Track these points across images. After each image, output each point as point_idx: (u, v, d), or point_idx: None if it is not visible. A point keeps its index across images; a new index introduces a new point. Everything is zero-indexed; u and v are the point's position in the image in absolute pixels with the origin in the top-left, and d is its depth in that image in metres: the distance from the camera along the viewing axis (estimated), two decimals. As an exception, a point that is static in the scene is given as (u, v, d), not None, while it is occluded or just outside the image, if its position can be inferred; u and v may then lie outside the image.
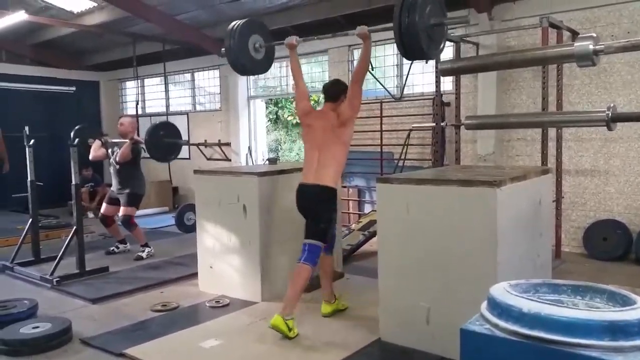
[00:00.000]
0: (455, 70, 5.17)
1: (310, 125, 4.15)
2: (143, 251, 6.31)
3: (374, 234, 6.01)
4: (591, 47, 3.35)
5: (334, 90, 4.15)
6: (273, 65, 9.80)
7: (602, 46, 3.35)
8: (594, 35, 3.49)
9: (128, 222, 6.27)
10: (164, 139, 6.30)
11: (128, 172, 6.28)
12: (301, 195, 4.06)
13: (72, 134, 6.34)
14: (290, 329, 3.75)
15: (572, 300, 1.80)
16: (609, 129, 3.48)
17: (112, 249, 6.61)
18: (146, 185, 6.77)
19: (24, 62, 11.39)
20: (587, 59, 3.40)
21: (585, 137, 6.24)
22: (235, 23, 4.48)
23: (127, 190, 6.25)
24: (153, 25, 8.88)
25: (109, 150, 6.41)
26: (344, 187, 8.17)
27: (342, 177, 7.84)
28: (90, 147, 6.40)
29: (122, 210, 6.28)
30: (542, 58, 4.18)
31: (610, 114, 3.38)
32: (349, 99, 3.96)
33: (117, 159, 6.19)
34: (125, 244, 6.64)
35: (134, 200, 6.32)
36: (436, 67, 6.22)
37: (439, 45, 3.61)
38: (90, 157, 6.43)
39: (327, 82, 4.29)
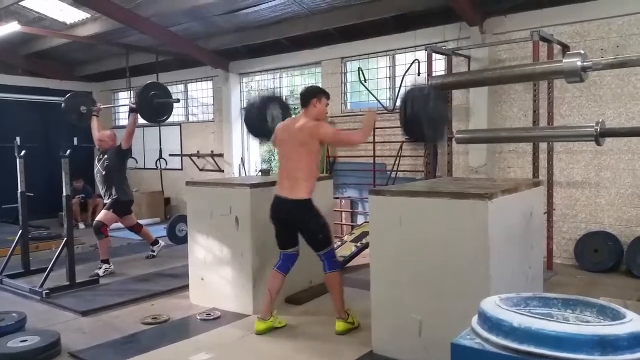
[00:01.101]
0: (446, 85, 5.23)
1: (280, 139, 4.23)
2: (100, 267, 6.03)
3: (366, 246, 5.99)
4: (579, 63, 3.40)
5: (304, 98, 4.18)
6: (267, 75, 9.90)
7: (590, 63, 3.41)
8: (582, 52, 3.53)
9: (99, 229, 6.10)
10: (155, 100, 6.28)
11: (114, 177, 6.26)
12: (276, 207, 4.15)
13: (63, 104, 6.40)
14: (353, 323, 4.07)
15: (562, 314, 1.80)
16: (598, 144, 3.51)
17: (150, 254, 6.85)
18: (133, 195, 6.74)
19: (16, 72, 11.36)
20: (575, 75, 3.45)
21: (576, 149, 6.28)
22: (254, 99, 4.87)
23: (114, 196, 6.24)
24: (146, 36, 8.89)
25: (97, 158, 6.41)
26: (337, 197, 8.17)
27: (335, 187, 7.87)
28: (82, 115, 6.51)
29: (99, 215, 6.28)
30: (531, 74, 4.24)
31: (598, 129, 3.41)
32: (337, 138, 4.13)
33: (124, 142, 6.23)
34: (158, 243, 6.89)
35: (115, 207, 6.25)
36: (428, 81, 6.27)
37: (442, 134, 3.97)
38: (96, 136, 6.46)
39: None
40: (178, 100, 6.66)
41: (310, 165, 4.06)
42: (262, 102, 4.69)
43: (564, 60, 3.52)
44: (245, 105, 5.25)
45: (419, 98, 3.66)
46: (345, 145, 4.09)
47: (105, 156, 6.30)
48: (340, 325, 4.04)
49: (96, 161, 6.40)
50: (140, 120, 6.42)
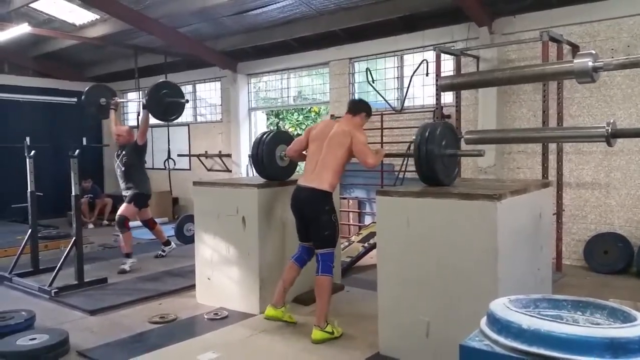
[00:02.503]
0: (455, 85, 5.20)
1: (316, 136, 4.24)
2: (125, 263, 6.19)
3: (374, 246, 5.97)
4: (590, 64, 3.36)
5: (356, 107, 4.30)
6: (275, 76, 9.92)
7: (601, 63, 3.36)
8: (593, 52, 3.50)
9: (122, 223, 6.29)
10: (166, 98, 6.34)
11: (134, 172, 6.42)
12: (296, 197, 4.19)
13: (83, 97, 6.60)
14: (332, 332, 3.94)
15: (572, 316, 1.78)
16: (609, 144, 3.46)
17: (159, 253, 6.85)
18: (150, 194, 6.83)
19: (26, 73, 11.46)
20: (586, 76, 3.41)
21: (585, 150, 6.23)
22: (263, 135, 4.84)
23: (134, 190, 6.39)
24: (155, 37, 8.93)
25: (115, 154, 6.54)
26: (344, 198, 8.16)
27: (343, 188, 7.86)
28: (102, 108, 6.66)
29: (120, 209, 6.37)
30: (541, 74, 4.20)
31: (609, 130, 3.36)
32: (364, 149, 4.10)
33: (139, 138, 6.35)
34: (170, 244, 6.91)
35: (137, 200, 6.40)
36: (436, 81, 6.25)
37: (452, 172, 3.97)
38: (114, 131, 6.57)
39: (355, 98, 4.50)
40: (187, 101, 6.70)
41: (340, 163, 4.10)
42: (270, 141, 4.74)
43: (575, 61, 3.47)
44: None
45: (431, 141, 3.68)
46: (362, 157, 4.11)
47: (124, 152, 6.43)
48: (317, 334, 3.90)
49: (115, 157, 6.55)
50: (152, 120, 6.48)
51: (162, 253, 6.92)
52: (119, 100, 7.02)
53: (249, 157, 10.06)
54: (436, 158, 3.66)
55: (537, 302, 1.85)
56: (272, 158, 4.74)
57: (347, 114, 4.27)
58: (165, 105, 6.36)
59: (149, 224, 6.82)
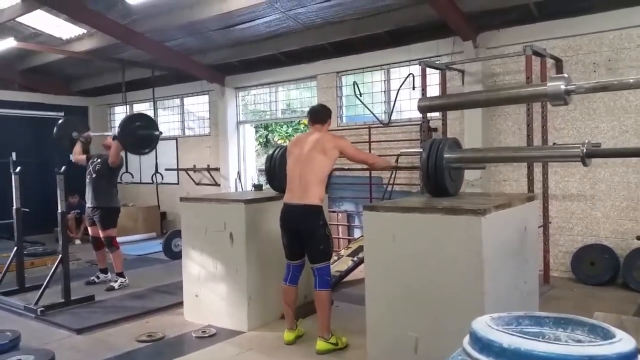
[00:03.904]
0: (433, 107, 5.32)
1: (292, 150, 4.28)
2: (116, 281, 6.14)
3: (362, 260, 5.97)
4: (563, 87, 3.46)
5: (321, 115, 4.35)
6: (263, 89, 9.94)
7: (574, 86, 3.47)
8: (566, 75, 3.60)
9: (110, 243, 6.17)
10: (139, 131, 6.14)
11: (103, 185, 6.19)
12: (287, 216, 4.16)
13: (55, 129, 6.37)
14: (336, 343, 4.03)
15: (554, 333, 1.79)
16: (584, 164, 3.54)
17: (92, 279, 6.42)
18: (119, 207, 6.57)
19: (12, 87, 11.37)
20: (559, 99, 3.52)
21: (570, 162, 6.30)
22: (275, 150, 5.12)
23: (99, 205, 6.12)
24: (142, 51, 8.93)
25: (89, 161, 6.35)
26: (333, 211, 8.17)
27: (332, 201, 7.87)
28: (74, 141, 6.44)
29: (101, 233, 6.18)
30: (517, 97, 4.33)
31: (584, 150, 3.43)
32: (357, 154, 4.27)
33: (111, 160, 6.12)
34: (107, 273, 6.45)
35: (109, 217, 6.19)
36: (422, 95, 6.30)
37: (459, 183, 4.15)
38: (73, 158, 6.42)
39: (313, 106, 4.57)
40: (161, 133, 6.47)
41: (323, 171, 4.12)
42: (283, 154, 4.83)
43: (548, 84, 3.60)
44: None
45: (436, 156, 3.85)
46: (363, 162, 4.22)
47: (99, 160, 6.25)
48: (321, 345, 4.01)
49: (89, 164, 6.33)
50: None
51: (96, 279, 6.42)
52: (92, 134, 6.72)
53: (237, 173, 10.08)
54: (444, 171, 3.84)
55: (520, 320, 1.85)
56: (284, 172, 4.76)
57: (316, 125, 4.29)
58: (138, 137, 6.15)
59: (98, 243, 6.34)
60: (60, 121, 6.70)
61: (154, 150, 9.92)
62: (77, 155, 6.52)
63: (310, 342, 4.19)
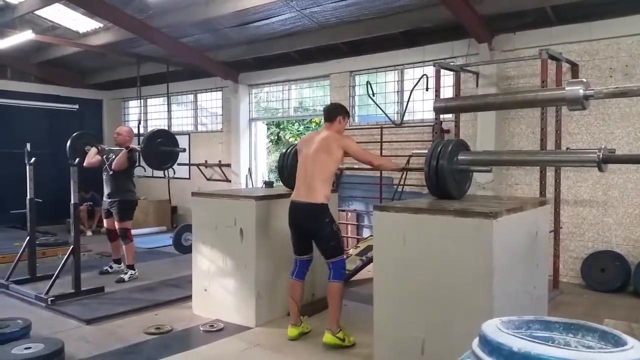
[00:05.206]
0: (449, 108, 5.29)
1: (301, 149, 4.36)
2: (126, 273, 6.21)
3: (371, 260, 5.97)
4: (581, 92, 3.41)
5: (332, 113, 4.37)
6: (276, 87, 9.97)
7: (592, 91, 3.41)
8: (584, 80, 3.55)
9: (125, 234, 6.26)
10: (161, 147, 6.12)
11: (120, 180, 6.28)
12: (293, 213, 4.22)
13: (68, 143, 6.39)
14: (342, 339, 4.05)
15: (564, 338, 1.78)
16: (600, 170, 3.49)
17: (105, 268, 6.53)
18: (137, 201, 6.68)
19: (28, 79, 11.51)
20: (577, 103, 3.47)
21: (583, 167, 6.25)
22: (289, 147, 5.13)
23: (117, 198, 6.22)
24: (157, 46, 8.99)
25: (104, 157, 6.42)
26: (343, 210, 8.17)
27: (341, 200, 7.87)
28: (86, 154, 6.42)
29: (117, 225, 6.26)
30: (533, 101, 4.27)
31: (601, 156, 3.38)
32: (362, 154, 4.24)
33: (113, 167, 6.19)
34: (120, 264, 6.55)
35: (126, 210, 6.29)
36: (436, 96, 6.28)
37: (464, 186, 4.07)
38: (85, 163, 6.31)
39: (327, 105, 4.68)
40: (183, 150, 6.46)
41: (327, 170, 4.16)
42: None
43: (566, 88, 3.53)
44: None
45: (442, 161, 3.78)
46: (368, 163, 4.23)
47: (114, 157, 6.30)
48: (328, 338, 4.06)
49: (104, 159, 6.39)
50: (150, 130, 6.39)
51: (109, 269, 6.51)
52: (106, 147, 6.63)
53: (248, 169, 10.11)
54: (448, 173, 3.78)
55: (530, 324, 1.85)
56: (295, 170, 4.79)
57: (326, 123, 4.35)
58: (160, 153, 6.07)
59: (112, 234, 6.45)
60: (72, 136, 6.63)
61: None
62: (90, 158, 6.43)
63: (316, 340, 4.20)
